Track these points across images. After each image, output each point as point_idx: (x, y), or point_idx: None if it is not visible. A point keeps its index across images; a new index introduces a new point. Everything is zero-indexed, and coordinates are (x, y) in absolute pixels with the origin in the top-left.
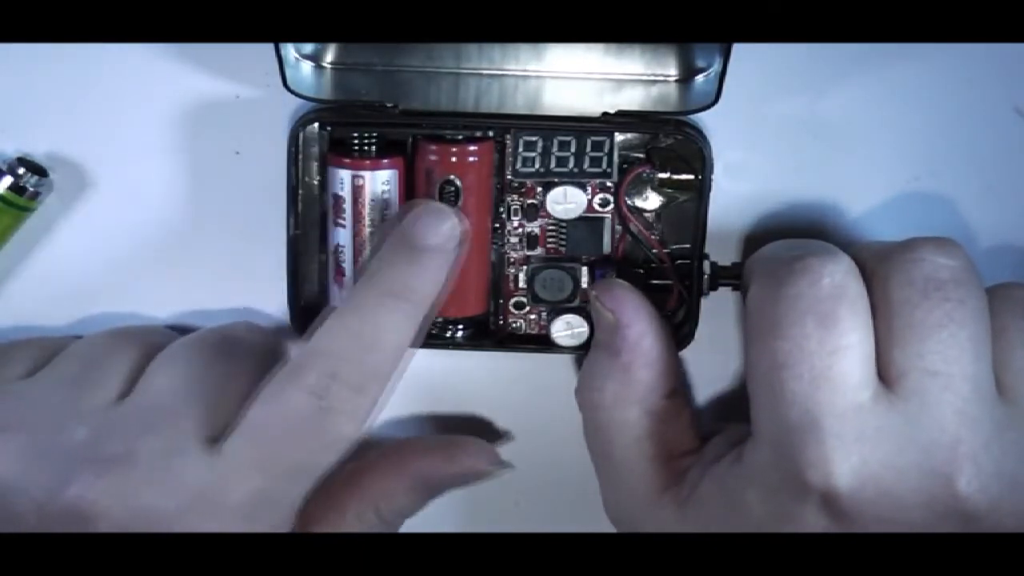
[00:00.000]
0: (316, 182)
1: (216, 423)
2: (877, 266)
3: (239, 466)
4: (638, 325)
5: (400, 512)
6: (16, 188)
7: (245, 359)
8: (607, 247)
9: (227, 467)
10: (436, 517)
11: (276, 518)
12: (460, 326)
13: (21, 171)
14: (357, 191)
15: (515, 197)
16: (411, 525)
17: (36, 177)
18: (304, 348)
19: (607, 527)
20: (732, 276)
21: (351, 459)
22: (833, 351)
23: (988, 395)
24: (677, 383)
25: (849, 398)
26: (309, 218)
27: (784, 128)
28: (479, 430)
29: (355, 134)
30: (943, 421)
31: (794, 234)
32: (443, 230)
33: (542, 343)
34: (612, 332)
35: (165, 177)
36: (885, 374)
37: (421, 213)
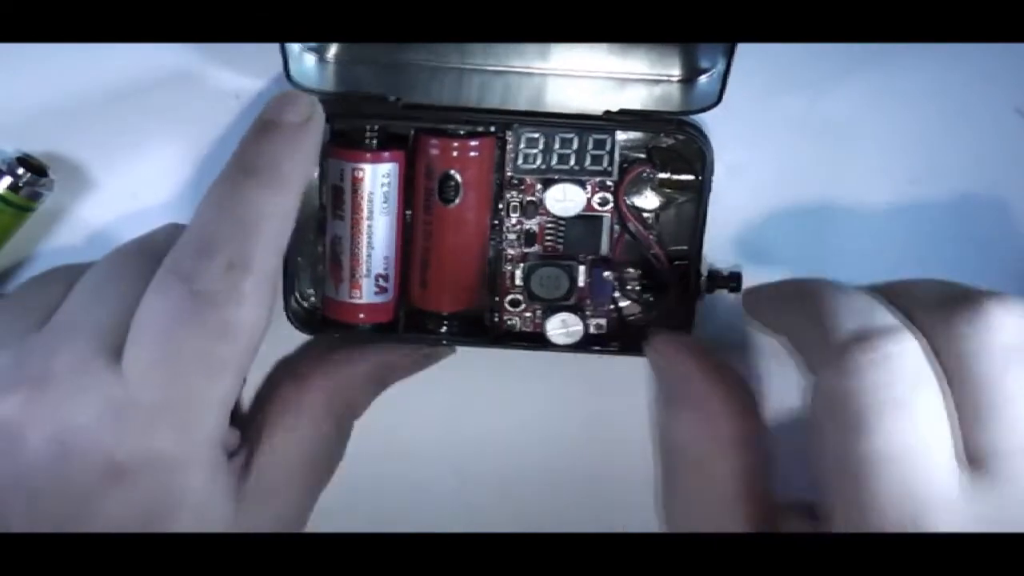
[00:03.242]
0: (316, 174)
1: (120, 331)
2: (942, 334)
3: (141, 369)
4: (712, 374)
5: (352, 408)
6: (16, 188)
7: (158, 262)
8: (605, 246)
9: (130, 372)
10: (437, 517)
11: (200, 420)
12: (455, 322)
13: (21, 171)
14: (356, 183)
15: (514, 193)
16: (411, 525)
17: (36, 177)
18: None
19: (608, 527)
20: (729, 284)
21: (299, 362)
22: (926, 441)
23: None
24: (762, 432)
25: (943, 490)
26: (305, 209)
27: (786, 129)
28: (476, 427)
29: (356, 126)
30: None
31: (795, 236)
32: (293, 107)
33: (537, 341)
34: (686, 387)
35: (166, 177)
36: (970, 455)
37: (276, 97)
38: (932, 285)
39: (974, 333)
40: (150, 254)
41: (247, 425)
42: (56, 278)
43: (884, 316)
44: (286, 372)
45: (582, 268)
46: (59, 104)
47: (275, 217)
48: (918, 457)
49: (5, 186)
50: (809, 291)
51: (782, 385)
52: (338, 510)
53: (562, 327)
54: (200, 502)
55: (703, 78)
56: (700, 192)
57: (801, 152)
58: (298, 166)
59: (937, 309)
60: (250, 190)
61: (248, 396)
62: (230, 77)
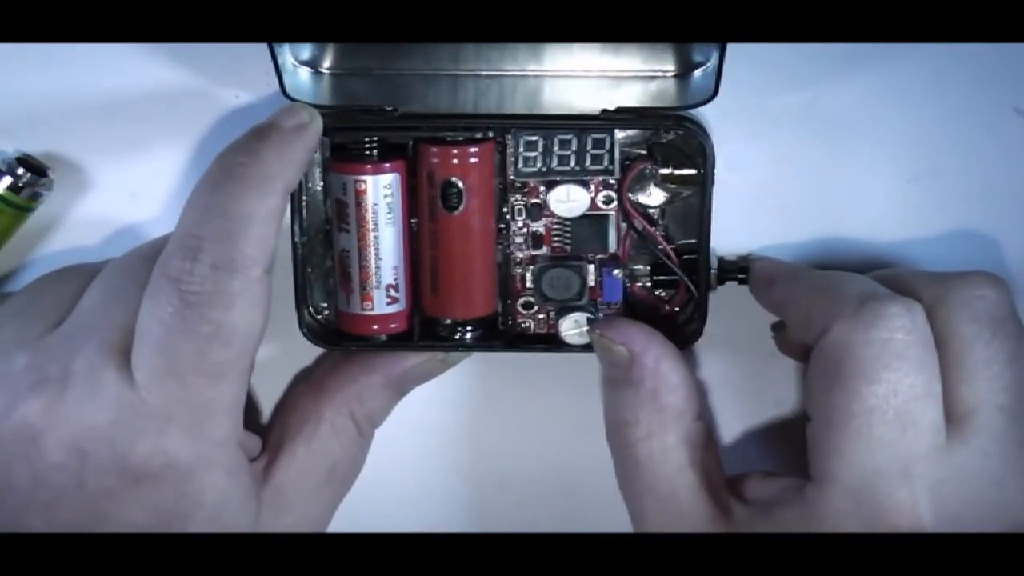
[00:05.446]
0: (319, 188)
1: (130, 334)
2: (937, 303)
3: (146, 374)
4: (652, 351)
5: (371, 415)
6: (16, 188)
7: None
8: (612, 244)
9: (139, 376)
10: (437, 517)
11: (209, 424)
12: (469, 327)
13: (21, 171)
14: (359, 195)
15: (518, 197)
16: (411, 524)
17: (36, 177)
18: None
19: (610, 527)
20: (739, 270)
21: (316, 372)
22: (924, 396)
23: None
24: (702, 405)
25: (931, 441)
26: (314, 224)
27: (785, 121)
28: (488, 430)
29: (355, 138)
30: (1011, 454)
31: (799, 226)
32: (291, 115)
33: (551, 342)
34: (628, 365)
35: (165, 177)
36: (952, 411)
37: (278, 109)
38: (918, 271)
39: (964, 302)
40: None
41: (267, 435)
42: (67, 278)
43: (886, 288)
44: (304, 383)
45: (591, 267)
46: (59, 104)
47: (260, 216)
48: (915, 407)
49: (5, 186)
50: (816, 271)
51: (784, 378)
52: (353, 512)
53: (575, 327)
54: (219, 504)
55: (698, 72)
56: (703, 186)
57: (801, 146)
58: (286, 168)
59: (931, 284)
60: (235, 190)
61: (267, 407)
62: (231, 89)
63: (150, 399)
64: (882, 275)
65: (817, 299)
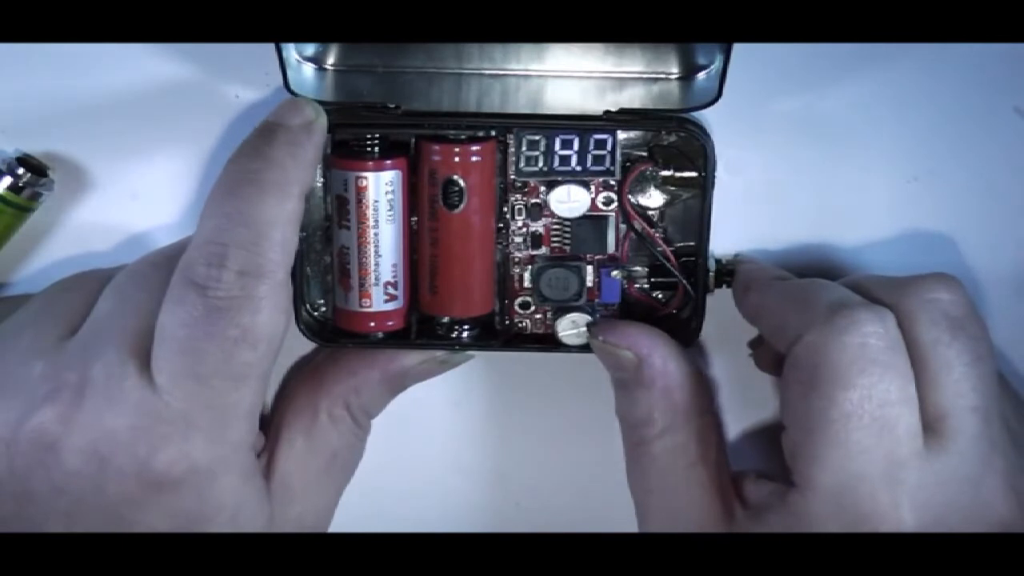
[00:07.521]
0: (320, 184)
1: (148, 338)
2: (895, 309)
3: (169, 378)
4: (659, 351)
5: (368, 408)
6: (16, 188)
7: None
8: (611, 245)
9: (160, 380)
10: (437, 517)
11: (230, 427)
12: (466, 326)
13: (21, 171)
14: (360, 192)
15: (519, 196)
16: (411, 524)
17: (36, 177)
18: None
19: (610, 527)
20: (727, 273)
21: (315, 364)
22: (900, 401)
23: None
24: (712, 400)
25: (909, 446)
26: (313, 220)
27: (786, 125)
28: (486, 429)
29: (357, 135)
30: (987, 454)
31: (798, 228)
32: (296, 112)
33: (548, 342)
34: (636, 367)
35: (165, 178)
36: (927, 415)
37: (281, 103)
38: (879, 277)
39: (919, 307)
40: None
41: (267, 428)
42: (79, 285)
43: (857, 296)
44: (302, 375)
45: (590, 268)
46: (59, 104)
47: (281, 221)
48: (890, 412)
49: (5, 186)
50: (790, 279)
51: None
52: (353, 513)
53: (572, 327)
54: (237, 506)
55: (701, 75)
56: (704, 188)
57: (802, 148)
58: (301, 170)
59: (891, 290)
60: (254, 196)
61: (267, 399)
62: (231, 89)
63: (173, 403)
64: (845, 282)
65: (790, 307)
